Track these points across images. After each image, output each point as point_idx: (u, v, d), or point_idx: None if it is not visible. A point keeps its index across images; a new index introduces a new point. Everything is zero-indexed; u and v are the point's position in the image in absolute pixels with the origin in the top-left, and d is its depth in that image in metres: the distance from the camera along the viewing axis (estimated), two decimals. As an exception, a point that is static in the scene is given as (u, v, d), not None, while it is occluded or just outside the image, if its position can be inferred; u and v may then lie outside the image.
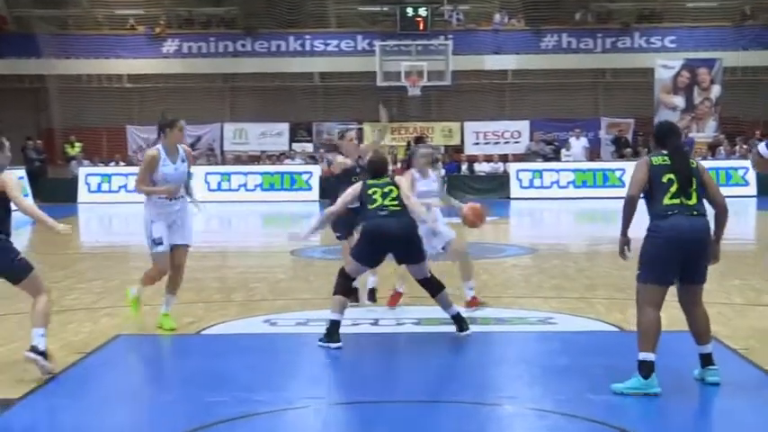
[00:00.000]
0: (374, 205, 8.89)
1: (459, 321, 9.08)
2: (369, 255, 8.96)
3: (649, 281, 7.11)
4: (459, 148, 34.23)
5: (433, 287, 9.05)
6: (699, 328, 7.27)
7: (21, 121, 32.93)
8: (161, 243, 9.45)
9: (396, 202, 8.91)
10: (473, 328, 9.30)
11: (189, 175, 9.69)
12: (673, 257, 7.03)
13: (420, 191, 10.00)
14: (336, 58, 34.61)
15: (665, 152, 7.24)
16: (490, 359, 8.69)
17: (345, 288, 8.93)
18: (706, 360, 7.27)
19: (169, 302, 9.69)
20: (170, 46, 35.22)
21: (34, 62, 34.01)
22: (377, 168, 9.28)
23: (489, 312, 10.54)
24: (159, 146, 9.38)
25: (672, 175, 7.10)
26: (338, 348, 8.56)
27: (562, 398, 7.06)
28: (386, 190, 8.98)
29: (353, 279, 9.12)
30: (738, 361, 8.16)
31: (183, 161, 9.47)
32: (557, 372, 7.93)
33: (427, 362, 8.40)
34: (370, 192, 8.98)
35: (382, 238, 8.81)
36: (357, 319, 9.98)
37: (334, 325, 8.66)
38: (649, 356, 7.01)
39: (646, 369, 6.99)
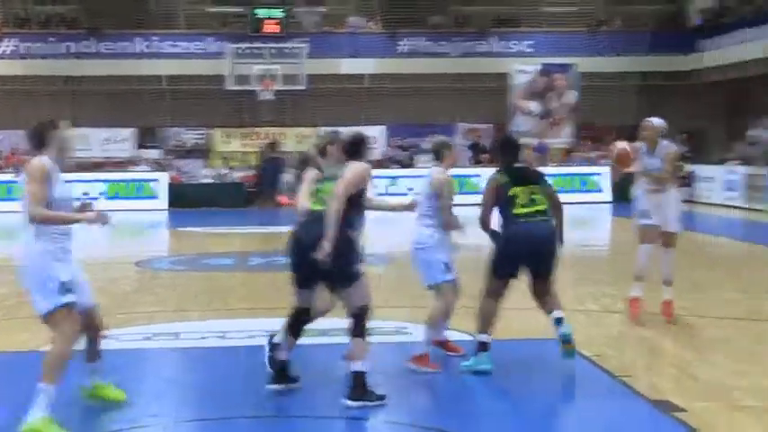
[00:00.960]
0: None
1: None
2: None
3: (496, 276, 8.24)
4: (314, 155, 33.30)
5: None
6: (551, 306, 8.21)
7: None
8: (70, 291, 6.62)
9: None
10: (323, 340, 8.96)
11: None
12: (520, 257, 8.15)
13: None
14: (185, 61, 33.22)
15: (505, 168, 8.34)
16: (341, 373, 8.06)
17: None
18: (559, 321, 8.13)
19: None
20: (6, 46, 33.30)
21: None
22: None
23: (341, 323, 9.87)
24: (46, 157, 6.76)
25: (516, 189, 8.17)
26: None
27: (415, 409, 7.17)
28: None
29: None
30: (591, 368, 8.19)
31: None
32: (410, 383, 7.91)
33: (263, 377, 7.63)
34: None
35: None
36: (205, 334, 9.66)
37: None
38: (482, 337, 8.12)
39: (482, 347, 8.06)
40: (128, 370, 8.08)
